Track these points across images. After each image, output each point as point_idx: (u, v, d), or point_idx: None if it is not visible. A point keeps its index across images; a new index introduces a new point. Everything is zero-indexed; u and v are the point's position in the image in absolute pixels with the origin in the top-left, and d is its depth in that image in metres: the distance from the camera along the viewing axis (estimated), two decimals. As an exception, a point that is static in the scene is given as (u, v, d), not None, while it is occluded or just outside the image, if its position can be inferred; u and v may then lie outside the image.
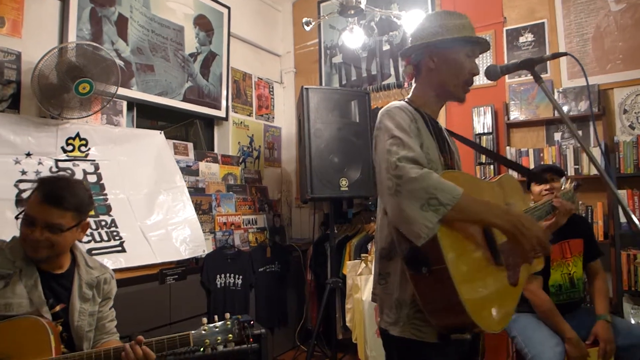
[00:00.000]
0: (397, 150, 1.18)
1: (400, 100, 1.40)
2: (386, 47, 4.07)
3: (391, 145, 1.20)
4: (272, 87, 4.54)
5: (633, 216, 1.14)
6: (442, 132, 1.45)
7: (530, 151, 3.20)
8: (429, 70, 1.40)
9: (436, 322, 1.19)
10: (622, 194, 2.83)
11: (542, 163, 3.11)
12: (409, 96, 1.46)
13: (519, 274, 1.31)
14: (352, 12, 3.31)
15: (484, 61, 3.51)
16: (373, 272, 1.45)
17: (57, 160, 2.57)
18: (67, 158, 2.62)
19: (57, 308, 1.57)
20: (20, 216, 1.53)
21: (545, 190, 2.31)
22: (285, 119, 4.64)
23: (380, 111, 1.34)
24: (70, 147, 2.65)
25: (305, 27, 3.63)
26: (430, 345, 1.23)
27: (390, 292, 1.30)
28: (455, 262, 1.12)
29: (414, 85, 1.46)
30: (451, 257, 1.11)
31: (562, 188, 1.91)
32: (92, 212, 2.58)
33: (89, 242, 2.46)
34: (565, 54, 1.36)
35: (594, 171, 2.97)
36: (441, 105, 1.47)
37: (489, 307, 1.18)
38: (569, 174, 3.04)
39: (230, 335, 1.55)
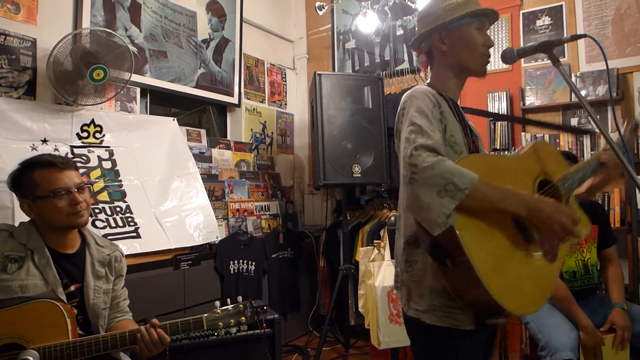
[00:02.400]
0: (415, 138, 1.16)
1: (423, 85, 1.38)
2: (400, 32, 4.01)
3: (410, 133, 1.19)
4: (285, 74, 4.52)
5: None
6: (464, 116, 1.43)
7: (546, 137, 3.14)
8: (443, 54, 1.39)
9: (470, 310, 1.20)
10: (641, 180, 2.78)
11: (557, 149, 3.06)
12: (428, 82, 1.43)
13: (557, 248, 1.25)
14: (366, -4, 3.26)
15: (499, 45, 3.44)
16: (396, 260, 1.43)
17: (72, 147, 2.60)
18: (82, 144, 2.65)
19: (72, 288, 1.61)
20: (40, 198, 1.56)
21: None
22: (297, 105, 4.62)
23: (403, 96, 1.33)
24: (85, 134, 2.68)
25: (318, 11, 3.60)
26: (466, 332, 1.23)
27: (418, 279, 1.28)
28: (477, 251, 1.10)
29: (429, 73, 1.44)
30: (472, 246, 1.09)
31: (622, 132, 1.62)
32: (107, 198, 2.63)
33: (104, 227, 2.49)
34: (584, 36, 1.32)
35: (611, 157, 2.91)
36: (461, 86, 1.44)
37: (520, 290, 1.16)
38: (585, 160, 2.99)
39: (243, 317, 1.56)
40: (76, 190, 1.60)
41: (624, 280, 2.34)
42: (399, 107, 1.32)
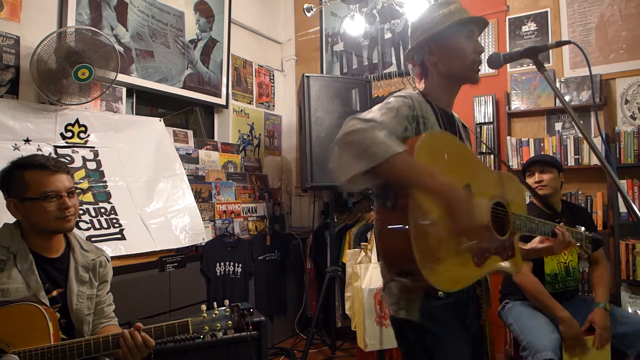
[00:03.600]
0: (360, 115, 1.17)
1: (413, 90, 1.40)
2: (388, 36, 4.03)
3: (361, 114, 1.19)
4: (273, 75, 4.51)
5: (633, 205, 1.14)
6: (455, 124, 1.45)
7: (531, 141, 3.19)
8: (434, 65, 1.40)
9: (386, 263, 1.22)
10: (622, 184, 2.83)
11: (542, 153, 3.11)
12: (422, 89, 1.45)
13: (485, 259, 1.28)
14: (354, -2, 3.27)
15: (486, 50, 3.47)
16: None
17: (56, 147, 2.56)
18: (66, 144, 2.61)
19: (55, 293, 1.58)
20: (29, 200, 1.53)
21: (535, 182, 2.30)
22: (285, 107, 4.62)
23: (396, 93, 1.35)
24: (69, 134, 2.64)
25: (306, 13, 3.59)
26: (442, 323, 1.27)
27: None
28: (419, 207, 1.09)
29: (423, 83, 1.46)
30: (419, 198, 1.09)
31: (582, 229, 1.74)
32: (92, 199, 2.59)
33: (88, 229, 2.46)
34: (569, 42, 1.34)
35: (594, 161, 2.96)
36: (454, 95, 1.46)
37: (441, 262, 1.14)
38: (569, 164, 3.03)
39: (230, 322, 1.55)
40: (66, 194, 1.58)
41: (610, 281, 2.37)
42: None
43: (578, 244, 1.67)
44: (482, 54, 1.40)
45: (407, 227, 1.08)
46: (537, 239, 1.57)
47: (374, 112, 1.21)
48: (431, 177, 1.10)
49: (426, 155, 1.15)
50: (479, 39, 1.43)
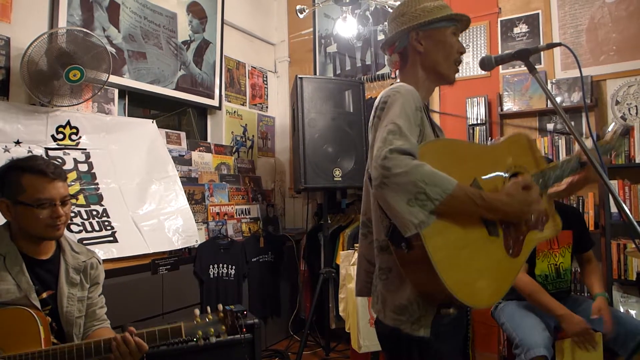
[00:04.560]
0: (392, 140, 1.10)
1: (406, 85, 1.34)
2: (381, 37, 4.04)
3: (388, 134, 1.12)
4: (266, 76, 4.50)
5: (624, 206, 1.15)
6: (433, 120, 1.43)
7: (524, 142, 3.20)
8: (418, 54, 1.36)
9: (424, 298, 1.18)
10: (613, 184, 2.85)
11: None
12: (400, 82, 1.38)
13: (521, 244, 1.24)
14: (347, 0, 3.28)
15: (478, 52, 3.50)
16: (360, 264, 1.42)
17: (47, 149, 2.54)
18: (57, 146, 2.59)
19: (45, 295, 1.56)
20: (22, 204, 1.51)
21: None
22: (279, 108, 4.61)
23: (387, 89, 1.27)
24: (60, 136, 2.62)
25: (298, 14, 3.60)
26: (445, 340, 1.23)
27: (394, 289, 1.24)
28: (434, 237, 1.07)
29: (400, 73, 1.42)
30: (429, 233, 1.07)
31: (607, 134, 1.60)
32: (83, 202, 2.57)
33: (79, 232, 2.44)
34: (559, 44, 1.35)
35: (586, 162, 2.98)
36: (431, 91, 1.43)
37: (474, 281, 1.14)
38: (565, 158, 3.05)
39: (223, 326, 1.54)
40: (60, 203, 1.56)
41: (602, 275, 2.39)
42: (379, 100, 1.26)
43: (613, 151, 1.62)
44: (463, 55, 1.39)
45: (430, 264, 1.06)
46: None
47: (406, 134, 1.13)
48: (482, 199, 1.11)
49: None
50: (467, 39, 1.44)
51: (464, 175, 1.18)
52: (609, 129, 1.67)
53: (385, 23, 3.93)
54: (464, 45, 1.40)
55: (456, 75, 1.40)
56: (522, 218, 1.16)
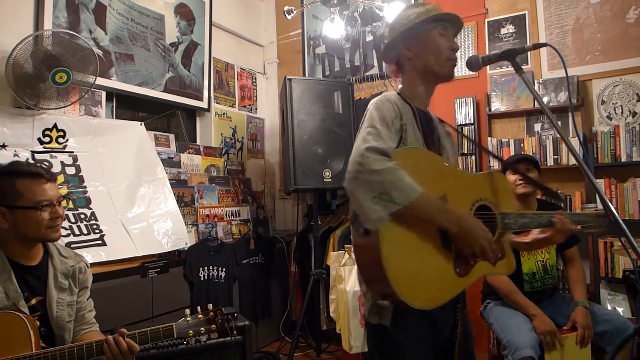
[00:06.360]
0: (370, 139, 1.21)
1: (392, 92, 1.43)
2: (369, 38, 4.06)
3: (367, 134, 1.23)
4: (255, 78, 4.49)
5: (610, 204, 1.17)
6: (433, 123, 1.46)
7: (511, 142, 3.23)
8: (409, 60, 1.43)
9: (367, 286, 1.31)
10: (600, 183, 2.89)
11: (522, 153, 3.15)
12: (399, 88, 1.47)
13: (470, 268, 1.31)
14: (335, 1, 3.29)
15: (466, 52, 3.53)
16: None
17: (33, 152, 2.51)
18: (44, 150, 2.56)
19: (34, 301, 1.55)
20: (21, 208, 1.50)
21: (520, 180, 2.33)
22: (268, 110, 4.60)
23: (376, 97, 1.36)
24: (47, 139, 2.59)
25: (286, 15, 3.59)
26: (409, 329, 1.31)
27: (361, 279, 1.37)
28: (391, 233, 1.16)
29: (400, 81, 1.49)
30: (387, 228, 1.15)
31: (586, 210, 1.76)
32: (71, 205, 2.55)
33: (67, 235, 2.41)
34: (545, 45, 1.37)
35: (572, 161, 3.02)
36: (430, 92, 1.47)
37: (416, 281, 1.20)
38: (548, 164, 3.09)
39: (214, 325, 1.54)
40: (57, 203, 1.57)
41: (586, 279, 2.42)
42: (366, 109, 1.36)
43: (583, 226, 1.66)
44: (457, 52, 1.42)
45: (378, 252, 1.14)
46: (536, 230, 1.58)
47: (384, 136, 1.23)
48: (445, 212, 1.22)
49: None
50: (457, 39, 1.46)
51: (435, 188, 1.27)
52: (597, 207, 1.76)
53: (374, 24, 3.97)
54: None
55: (454, 70, 1.43)
56: (468, 240, 1.23)
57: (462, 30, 3.53)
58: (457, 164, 1.53)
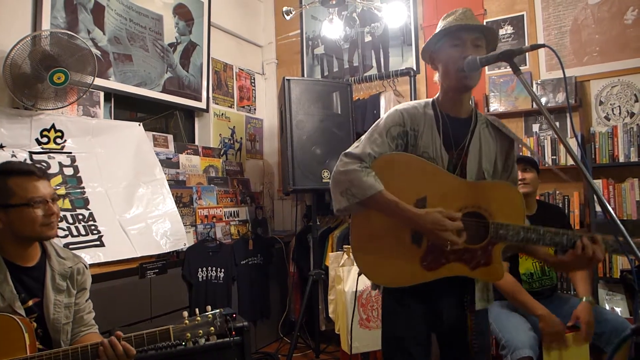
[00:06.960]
0: (352, 146, 1.51)
1: (425, 99, 1.58)
2: (368, 39, 4.06)
3: (356, 141, 1.53)
4: (254, 78, 4.49)
5: (608, 205, 1.17)
6: (468, 129, 1.51)
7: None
8: (437, 72, 1.55)
9: None
10: (598, 183, 2.90)
11: (520, 154, 3.15)
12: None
13: (440, 265, 1.42)
14: (334, 2, 3.29)
15: (464, 53, 3.53)
16: None
17: (31, 153, 2.50)
18: (41, 150, 2.56)
19: (30, 302, 1.54)
20: (14, 207, 1.50)
21: (518, 180, 2.32)
22: (267, 110, 4.60)
23: None
24: (45, 139, 2.58)
25: (285, 16, 3.59)
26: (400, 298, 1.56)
27: None
28: (359, 218, 1.50)
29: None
30: (357, 214, 1.49)
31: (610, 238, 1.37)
32: (69, 206, 2.54)
33: (65, 236, 2.40)
34: (543, 46, 1.36)
35: (570, 162, 3.03)
36: (459, 100, 1.52)
37: (375, 262, 1.47)
38: (546, 165, 3.09)
39: (212, 328, 1.52)
40: (51, 200, 1.56)
41: (591, 275, 2.40)
42: None
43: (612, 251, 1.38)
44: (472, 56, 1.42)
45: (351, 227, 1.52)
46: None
47: (363, 143, 1.49)
48: (399, 209, 1.40)
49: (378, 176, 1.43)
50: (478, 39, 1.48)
51: (414, 189, 1.44)
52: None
53: (372, 24, 3.97)
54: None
55: (466, 82, 1.45)
56: (431, 235, 1.38)
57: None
58: (488, 168, 1.51)
